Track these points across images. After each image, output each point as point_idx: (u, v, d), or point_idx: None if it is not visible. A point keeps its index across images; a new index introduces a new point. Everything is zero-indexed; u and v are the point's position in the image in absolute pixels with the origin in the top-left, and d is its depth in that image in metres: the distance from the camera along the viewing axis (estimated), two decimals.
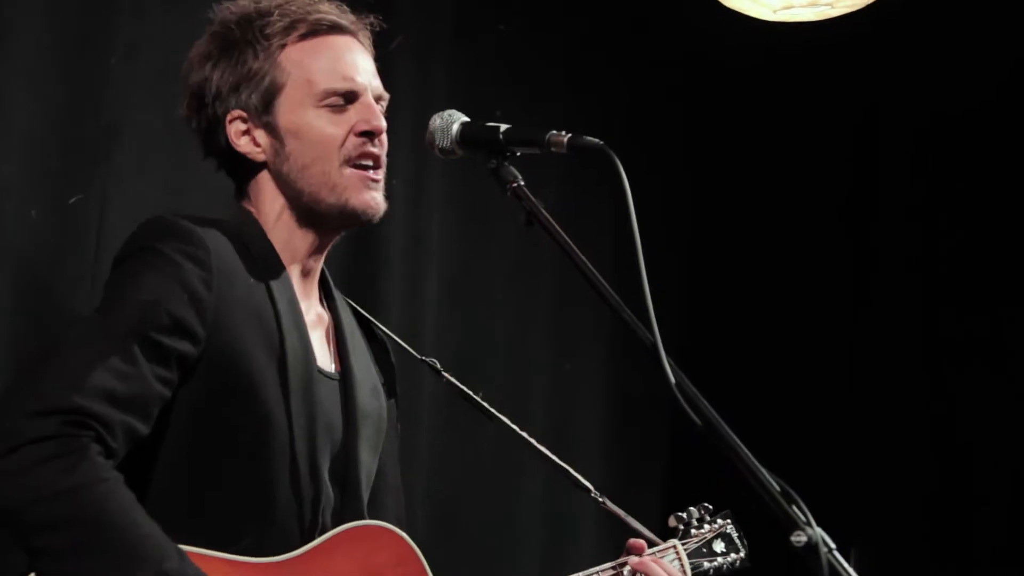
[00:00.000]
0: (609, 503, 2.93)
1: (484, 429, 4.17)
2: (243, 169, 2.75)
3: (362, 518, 2.68)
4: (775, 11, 3.79)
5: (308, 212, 2.72)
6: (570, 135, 2.56)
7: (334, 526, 2.62)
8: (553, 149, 2.57)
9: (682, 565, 2.93)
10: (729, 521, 3.10)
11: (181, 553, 2.35)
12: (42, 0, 3.31)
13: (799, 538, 2.43)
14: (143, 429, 2.44)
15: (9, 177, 3.23)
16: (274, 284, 2.64)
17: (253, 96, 2.69)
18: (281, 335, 2.60)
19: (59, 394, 2.34)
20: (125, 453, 2.42)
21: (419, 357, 2.99)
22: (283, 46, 2.70)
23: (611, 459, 4.32)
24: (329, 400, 2.70)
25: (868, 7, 3.79)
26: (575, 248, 2.54)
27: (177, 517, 2.47)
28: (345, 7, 2.78)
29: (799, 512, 2.38)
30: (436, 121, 2.69)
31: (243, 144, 2.71)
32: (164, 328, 2.46)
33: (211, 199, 3.10)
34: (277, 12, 2.71)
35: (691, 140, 5.13)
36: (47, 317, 3.21)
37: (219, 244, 2.59)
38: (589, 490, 2.96)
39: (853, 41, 4.59)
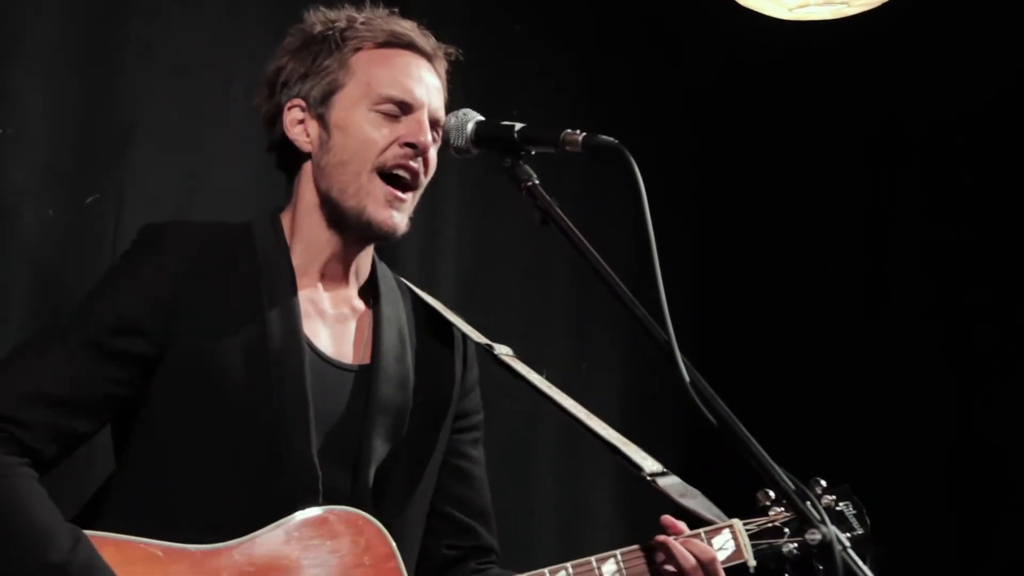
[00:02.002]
0: (659, 483, 2.78)
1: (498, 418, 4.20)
2: (291, 159, 2.82)
3: (365, 503, 2.69)
4: (791, 9, 3.80)
5: (333, 211, 2.77)
6: (585, 134, 2.59)
7: None
8: (568, 148, 2.60)
9: (738, 545, 2.77)
10: (835, 497, 2.89)
11: (77, 540, 2.44)
12: (58, 1, 3.31)
13: (814, 536, 2.44)
14: (78, 425, 2.57)
15: (26, 177, 3.25)
16: (268, 283, 2.71)
17: (315, 88, 2.77)
18: (265, 331, 2.66)
19: None
20: (58, 448, 2.55)
21: (479, 341, 2.97)
22: (357, 49, 2.78)
23: (621, 475, 4.32)
24: (338, 390, 2.75)
25: (883, 5, 3.79)
26: (589, 246, 2.56)
27: (154, 508, 2.58)
28: (428, 32, 2.86)
29: (813, 510, 2.40)
30: (451, 120, 2.74)
31: (295, 132, 2.78)
32: (116, 330, 2.59)
33: (225, 197, 3.12)
34: (362, 22, 2.80)
35: (705, 137, 5.13)
36: (64, 315, 3.21)
37: (197, 248, 2.70)
38: (642, 470, 2.82)
39: (869, 39, 4.58)
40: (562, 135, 2.59)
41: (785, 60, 4.86)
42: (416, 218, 4.09)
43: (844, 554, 2.31)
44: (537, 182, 2.61)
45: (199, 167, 3.46)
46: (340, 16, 2.81)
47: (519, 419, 4.21)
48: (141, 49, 3.47)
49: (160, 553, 2.49)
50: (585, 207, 4.23)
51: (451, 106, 2.81)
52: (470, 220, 4.34)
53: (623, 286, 2.52)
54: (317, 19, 2.82)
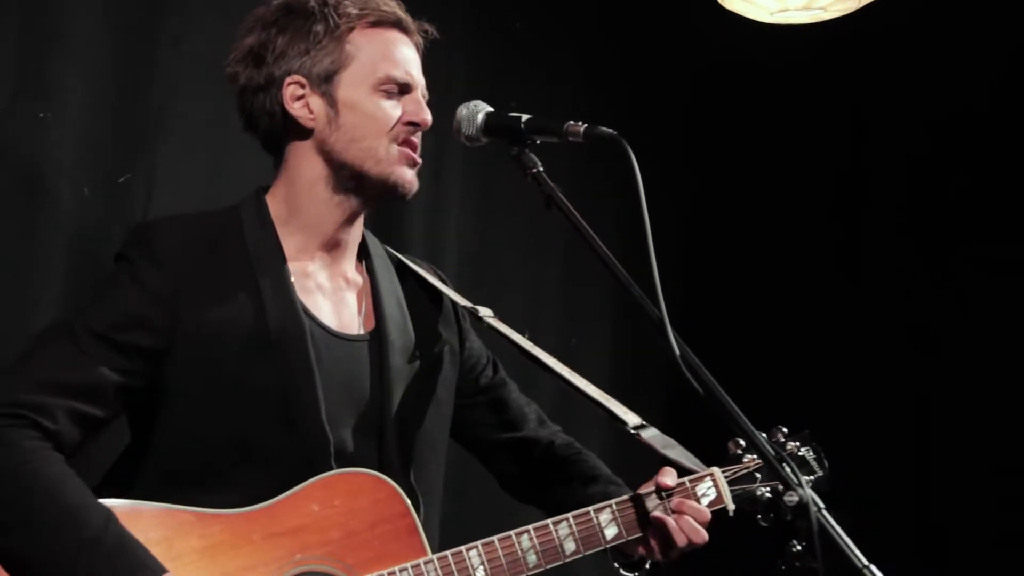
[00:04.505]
0: (643, 435, 2.83)
1: None
2: (285, 133, 2.77)
3: (393, 464, 2.70)
4: (771, 13, 3.80)
5: (349, 179, 2.74)
6: (586, 125, 2.61)
7: None
8: (571, 138, 2.62)
9: (719, 492, 2.80)
10: (798, 443, 2.91)
11: (108, 518, 2.41)
12: None
13: (791, 498, 2.47)
14: (95, 411, 2.52)
15: (65, 157, 3.27)
16: (259, 263, 2.67)
17: (317, 66, 2.72)
18: (262, 308, 2.63)
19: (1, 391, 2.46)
20: (79, 432, 2.51)
21: (465, 304, 2.97)
22: (351, 28, 2.74)
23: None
24: (347, 360, 2.73)
25: (858, 11, 3.81)
26: (589, 229, 2.58)
27: (180, 480, 2.55)
28: (406, 9, 2.83)
29: (792, 474, 2.43)
30: (463, 111, 2.75)
31: (296, 107, 2.73)
32: (120, 325, 2.55)
33: (250, 179, 3.13)
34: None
35: (691, 126, 5.14)
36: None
37: (187, 240, 2.65)
38: (626, 424, 2.87)
39: (846, 41, 4.61)
40: (565, 126, 2.62)
41: (764, 58, 4.89)
42: (422, 199, 4.13)
43: (819, 514, 2.35)
44: (542, 169, 2.64)
45: (225, 149, 3.46)
46: None
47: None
48: (172, 41, 3.48)
49: (194, 518, 2.49)
50: (578, 195, 4.26)
51: (454, 96, 2.82)
52: (472, 205, 4.35)
53: (620, 266, 2.55)
54: None
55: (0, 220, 3.16)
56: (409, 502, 2.63)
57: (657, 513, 2.73)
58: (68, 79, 3.26)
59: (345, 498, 2.58)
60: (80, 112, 3.30)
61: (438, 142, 3.89)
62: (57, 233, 3.25)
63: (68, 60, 3.27)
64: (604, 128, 2.59)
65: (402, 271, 2.95)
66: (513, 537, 2.65)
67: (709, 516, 2.76)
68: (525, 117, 2.67)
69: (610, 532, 2.72)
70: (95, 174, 3.34)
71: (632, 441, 2.86)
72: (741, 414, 2.46)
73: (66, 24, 3.27)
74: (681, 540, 2.72)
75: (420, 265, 3.01)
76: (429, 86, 2.86)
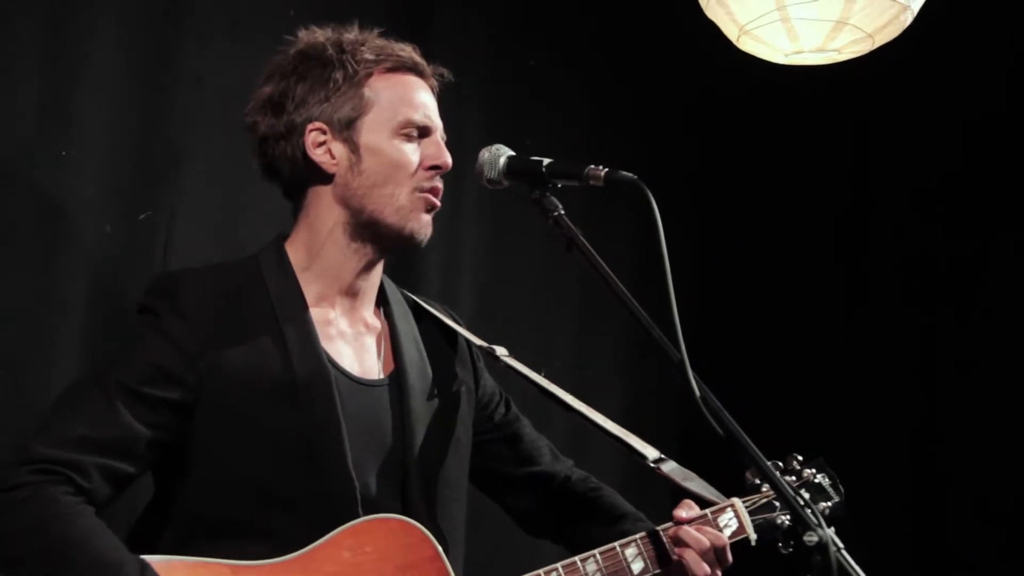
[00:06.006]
0: (663, 469, 2.85)
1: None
2: (306, 179, 2.78)
3: (419, 509, 2.70)
4: (786, 55, 3.79)
5: (365, 227, 2.75)
6: (607, 169, 2.61)
7: None
8: (591, 182, 2.63)
9: (740, 522, 2.83)
10: (814, 470, 2.96)
11: (143, 570, 2.40)
12: (117, 34, 3.35)
13: (811, 537, 2.49)
14: (126, 467, 2.52)
15: (86, 195, 3.28)
16: (282, 314, 2.68)
17: (338, 112, 2.73)
18: (288, 360, 2.64)
19: (35, 447, 2.46)
20: (110, 489, 2.51)
21: (481, 344, 2.98)
22: (370, 74, 2.76)
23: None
24: (370, 406, 2.73)
25: (871, 53, 3.82)
26: (610, 272, 2.59)
27: (209, 532, 2.55)
28: (421, 51, 2.86)
29: (811, 514, 2.45)
30: (485, 155, 2.77)
31: (319, 153, 2.74)
32: (150, 379, 2.55)
33: (269, 217, 3.16)
34: (366, 45, 2.78)
35: (703, 159, 5.17)
36: (117, 322, 3.24)
37: (210, 292, 2.65)
38: (646, 458, 2.90)
39: (856, 77, 4.64)
40: (586, 170, 2.62)
41: (776, 93, 4.91)
42: (438, 234, 4.15)
43: (839, 555, 2.37)
44: (563, 212, 2.65)
45: (243, 187, 3.47)
46: (340, 38, 2.78)
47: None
48: (192, 79, 3.50)
49: (228, 571, 2.48)
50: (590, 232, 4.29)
51: (468, 134, 2.84)
52: (486, 240, 4.36)
53: (640, 308, 2.56)
54: (316, 40, 2.78)
55: (22, 256, 3.17)
56: (439, 546, 2.63)
57: (678, 548, 2.76)
58: (90, 116, 3.28)
59: (376, 544, 2.57)
60: (101, 149, 3.32)
61: (454, 181, 3.92)
62: (78, 269, 3.26)
63: (90, 98, 3.29)
64: (624, 173, 2.60)
65: (418, 313, 2.96)
66: None
67: (726, 542, 2.78)
68: (547, 161, 2.68)
69: (637, 567, 2.75)
70: (116, 211, 3.35)
71: (647, 474, 2.88)
72: (761, 456, 2.47)
73: (88, 62, 3.29)
74: (701, 572, 2.74)
75: (434, 307, 3.02)
76: (444, 123, 2.89)
